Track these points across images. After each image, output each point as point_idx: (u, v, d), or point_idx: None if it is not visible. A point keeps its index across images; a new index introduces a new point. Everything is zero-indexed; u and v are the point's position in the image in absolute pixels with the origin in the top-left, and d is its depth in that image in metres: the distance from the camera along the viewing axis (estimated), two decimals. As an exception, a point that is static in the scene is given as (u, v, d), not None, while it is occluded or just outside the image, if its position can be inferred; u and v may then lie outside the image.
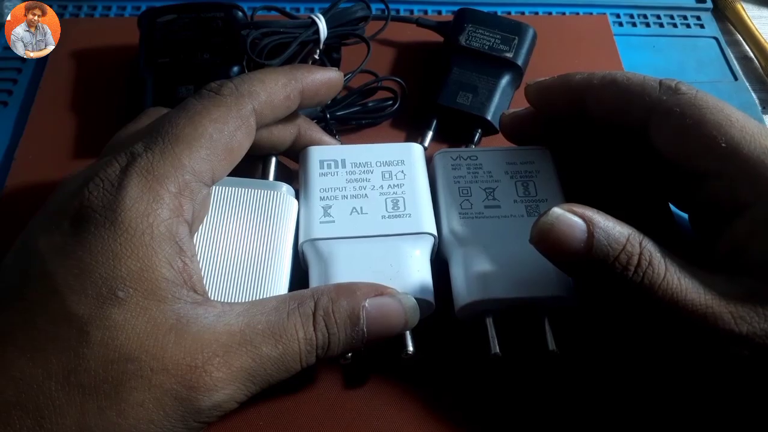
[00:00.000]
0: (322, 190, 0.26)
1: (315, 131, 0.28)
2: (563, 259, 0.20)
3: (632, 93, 0.24)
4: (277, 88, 0.23)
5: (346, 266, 0.23)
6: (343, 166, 0.26)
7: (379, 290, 0.22)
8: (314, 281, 0.24)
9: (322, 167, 0.26)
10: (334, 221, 0.25)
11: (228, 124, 0.21)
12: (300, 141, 0.27)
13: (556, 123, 0.27)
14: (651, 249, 0.20)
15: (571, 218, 0.20)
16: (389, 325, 0.21)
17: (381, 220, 0.25)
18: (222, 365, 0.18)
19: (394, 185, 0.26)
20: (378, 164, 0.26)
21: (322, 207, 0.25)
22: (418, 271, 0.24)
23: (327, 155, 0.27)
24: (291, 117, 0.26)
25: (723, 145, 0.21)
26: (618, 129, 0.24)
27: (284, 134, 0.26)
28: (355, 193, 0.26)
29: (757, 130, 0.21)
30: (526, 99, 0.27)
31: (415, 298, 0.23)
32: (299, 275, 0.25)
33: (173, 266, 0.19)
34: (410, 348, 0.23)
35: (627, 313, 0.23)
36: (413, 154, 0.27)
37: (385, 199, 0.25)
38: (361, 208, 0.25)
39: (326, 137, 0.28)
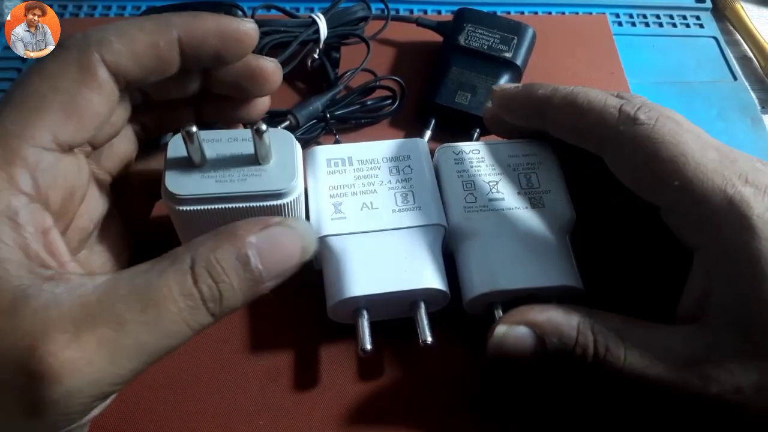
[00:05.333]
0: (331, 188, 0.26)
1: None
2: (524, 365, 0.22)
3: (590, 119, 0.23)
4: (139, 35, 0.20)
5: (360, 260, 0.24)
6: (350, 163, 0.27)
7: (263, 223, 0.19)
8: (329, 278, 0.25)
9: (329, 165, 0.27)
10: (345, 217, 0.25)
11: (64, 79, 0.19)
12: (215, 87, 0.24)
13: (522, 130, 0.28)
14: (605, 331, 0.21)
15: (516, 331, 0.22)
16: (286, 255, 0.19)
17: (392, 214, 0.26)
18: (71, 342, 0.15)
19: (401, 180, 0.27)
20: (384, 160, 0.27)
21: (333, 204, 0.26)
22: (431, 262, 0.25)
23: (333, 154, 0.28)
24: (189, 74, 0.23)
25: (675, 183, 0.21)
26: (580, 149, 0.25)
27: (189, 85, 0.23)
28: (364, 189, 0.26)
29: (712, 167, 0.21)
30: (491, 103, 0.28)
31: (431, 289, 0.24)
32: (313, 275, 0.26)
33: (5, 242, 0.17)
34: (429, 338, 0.24)
35: (594, 389, 0.24)
36: (418, 148, 0.28)
37: (394, 194, 0.26)
38: (371, 203, 0.26)
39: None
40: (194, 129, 0.21)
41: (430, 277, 0.24)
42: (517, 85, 0.27)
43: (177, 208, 0.22)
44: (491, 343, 0.22)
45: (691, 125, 0.23)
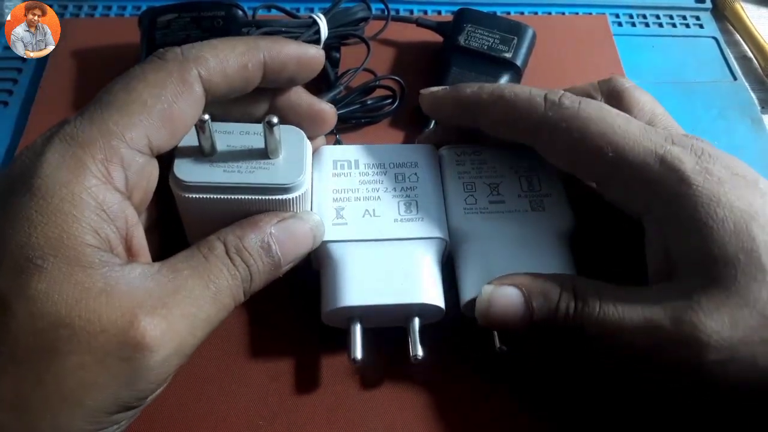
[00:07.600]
0: (335, 191, 0.26)
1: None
2: (512, 329, 0.23)
3: (518, 110, 0.24)
4: (231, 56, 0.22)
5: (357, 270, 0.24)
6: (357, 166, 0.27)
7: (280, 216, 0.23)
8: (326, 284, 0.25)
9: (335, 167, 0.27)
10: (346, 223, 0.25)
11: (166, 89, 0.20)
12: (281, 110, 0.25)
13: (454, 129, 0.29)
14: (584, 287, 0.22)
15: (503, 290, 0.22)
16: (299, 243, 0.23)
17: (393, 223, 0.26)
18: (163, 318, 0.18)
19: (407, 188, 0.27)
20: (391, 165, 0.27)
21: (335, 208, 0.26)
22: (428, 276, 0.25)
23: (340, 155, 0.28)
24: (261, 92, 0.24)
25: (610, 154, 0.22)
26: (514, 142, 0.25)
27: (255, 111, 0.25)
28: (368, 195, 0.26)
29: (639, 132, 0.22)
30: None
31: (425, 304, 0.24)
32: (311, 276, 0.26)
33: (99, 234, 0.18)
34: (419, 353, 0.24)
35: (578, 352, 0.24)
36: (427, 156, 0.28)
37: (398, 202, 0.26)
38: (374, 210, 0.26)
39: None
40: (207, 118, 0.21)
41: (426, 293, 0.24)
42: (444, 87, 0.27)
43: (183, 195, 0.22)
44: (478, 303, 0.23)
45: (612, 107, 0.24)
